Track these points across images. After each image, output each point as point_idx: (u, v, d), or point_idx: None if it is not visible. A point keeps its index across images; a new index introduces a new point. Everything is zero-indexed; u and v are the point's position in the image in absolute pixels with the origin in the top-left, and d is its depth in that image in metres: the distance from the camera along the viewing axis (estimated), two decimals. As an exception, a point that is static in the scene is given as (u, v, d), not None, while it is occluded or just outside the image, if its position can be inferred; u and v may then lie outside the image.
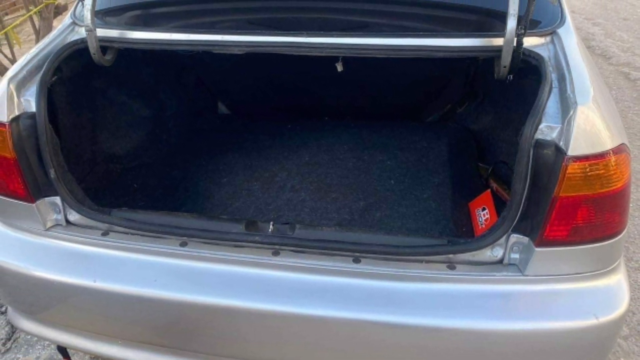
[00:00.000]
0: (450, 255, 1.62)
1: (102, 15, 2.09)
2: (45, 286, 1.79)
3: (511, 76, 1.75)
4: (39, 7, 4.21)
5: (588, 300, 1.54)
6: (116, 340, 1.87)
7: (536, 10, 1.70)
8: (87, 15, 1.85)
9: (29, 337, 2.59)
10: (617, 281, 1.59)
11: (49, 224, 1.85)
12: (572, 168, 1.42)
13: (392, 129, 2.97)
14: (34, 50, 1.95)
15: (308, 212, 2.32)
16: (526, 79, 1.90)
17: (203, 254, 1.71)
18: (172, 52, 2.66)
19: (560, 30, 1.81)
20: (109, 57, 2.03)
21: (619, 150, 1.46)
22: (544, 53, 1.72)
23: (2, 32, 4.18)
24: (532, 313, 1.53)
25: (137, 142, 2.68)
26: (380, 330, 1.57)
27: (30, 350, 2.55)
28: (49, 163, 1.76)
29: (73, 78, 2.08)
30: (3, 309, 2.75)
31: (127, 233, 1.80)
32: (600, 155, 1.43)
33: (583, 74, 1.59)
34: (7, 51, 4.46)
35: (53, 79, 1.88)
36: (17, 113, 1.74)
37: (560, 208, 1.47)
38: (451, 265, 1.61)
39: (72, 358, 2.25)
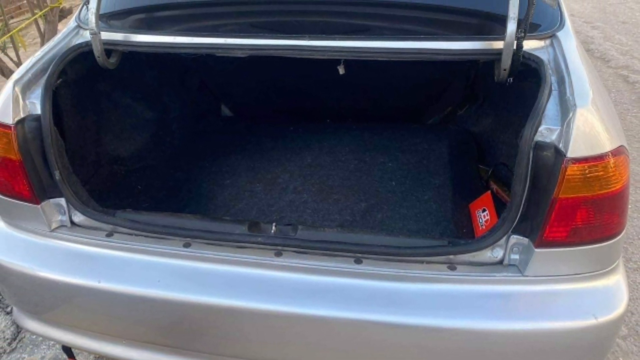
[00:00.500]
0: (451, 256, 1.62)
1: (107, 19, 2.10)
2: (50, 287, 1.80)
3: (511, 79, 1.76)
4: (44, 11, 4.23)
5: (587, 300, 1.55)
6: (120, 340, 1.88)
7: (536, 14, 1.71)
8: (92, 18, 1.86)
9: (34, 337, 2.60)
10: (616, 282, 1.60)
11: (53, 225, 1.86)
12: (572, 170, 1.43)
13: (393, 131, 2.98)
14: (39, 53, 1.96)
15: (310, 213, 2.33)
16: (526, 82, 1.91)
17: (206, 255, 1.72)
18: (175, 55, 2.67)
19: (559, 34, 1.82)
20: (113, 60, 2.04)
21: (617, 152, 1.47)
22: (544, 56, 1.73)
23: (8, 35, 4.19)
24: (531, 313, 1.53)
25: (141, 144, 2.69)
26: (382, 330, 1.58)
27: (36, 350, 2.56)
28: (54, 165, 1.77)
29: (78, 81, 2.09)
30: (8, 309, 2.77)
31: (131, 234, 1.81)
32: (600, 157, 1.44)
33: (582, 76, 1.60)
34: (12, 54, 4.48)
35: (58, 81, 1.89)
36: (22, 115, 1.75)
37: (559, 209, 1.48)
38: (452, 266, 1.61)
39: (76, 358, 2.25)
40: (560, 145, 1.45)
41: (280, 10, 2.14)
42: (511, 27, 1.62)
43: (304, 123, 3.16)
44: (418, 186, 2.48)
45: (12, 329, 2.67)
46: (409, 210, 2.32)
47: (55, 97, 1.87)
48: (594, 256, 1.55)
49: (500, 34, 1.71)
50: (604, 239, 1.53)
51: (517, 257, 1.60)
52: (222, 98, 3.44)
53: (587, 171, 1.44)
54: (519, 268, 1.60)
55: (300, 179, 2.58)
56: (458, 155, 2.73)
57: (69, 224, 1.87)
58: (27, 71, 1.84)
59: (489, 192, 2.26)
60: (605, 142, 1.45)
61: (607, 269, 1.58)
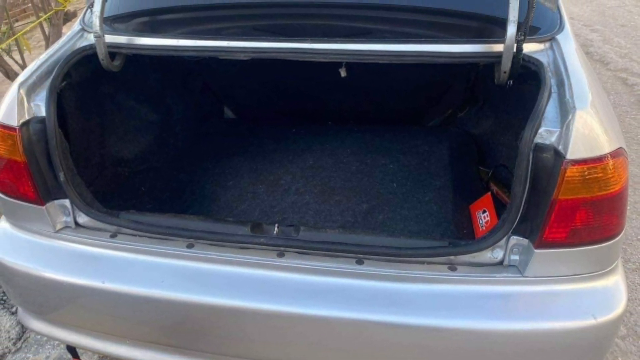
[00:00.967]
0: (452, 257, 1.63)
1: (111, 22, 2.11)
2: (54, 287, 1.81)
3: (511, 81, 1.77)
4: (48, 14, 4.24)
5: (586, 300, 1.56)
6: (124, 340, 1.89)
7: (535, 17, 1.72)
8: (96, 21, 1.87)
9: (38, 336, 2.62)
10: (615, 282, 1.61)
11: (58, 226, 1.87)
12: (571, 171, 1.44)
13: (394, 133, 2.99)
14: (43, 56, 1.97)
15: (312, 214, 2.34)
16: (526, 84, 1.91)
17: (209, 256, 1.73)
18: (179, 57, 2.66)
19: (559, 37, 1.82)
20: (117, 62, 2.05)
21: (616, 154, 1.48)
22: (543, 59, 1.73)
23: (13, 38, 4.21)
24: (531, 313, 1.54)
25: (144, 146, 2.70)
26: (383, 330, 1.58)
27: (40, 350, 2.57)
28: (59, 166, 1.78)
29: (82, 83, 2.10)
30: (14, 309, 2.78)
31: (135, 235, 1.82)
32: (599, 159, 1.44)
33: (581, 79, 1.61)
34: (17, 57, 4.49)
35: (62, 84, 1.90)
36: (27, 117, 1.76)
37: (559, 211, 1.49)
38: (452, 267, 1.62)
39: (81, 357, 2.26)
40: (560, 147, 1.46)
41: (283, 13, 2.15)
42: (511, 30, 1.62)
43: (306, 125, 3.17)
44: (419, 188, 2.49)
45: (17, 329, 2.68)
46: (410, 212, 2.33)
47: (59, 100, 1.88)
48: (593, 257, 1.56)
49: (500, 36, 1.71)
50: (603, 240, 1.54)
51: (517, 257, 1.61)
52: (225, 100, 3.45)
53: (586, 173, 1.44)
54: (518, 269, 1.61)
55: (302, 181, 2.59)
56: (458, 157, 2.74)
57: (73, 225, 1.88)
58: (32, 74, 1.85)
59: (489, 193, 2.27)
60: (604, 144, 1.46)
61: (606, 270, 1.59)
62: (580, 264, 1.57)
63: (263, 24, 2.15)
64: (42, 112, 1.78)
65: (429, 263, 1.64)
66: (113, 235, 1.83)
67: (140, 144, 2.68)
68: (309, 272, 1.67)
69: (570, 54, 1.74)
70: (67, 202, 1.86)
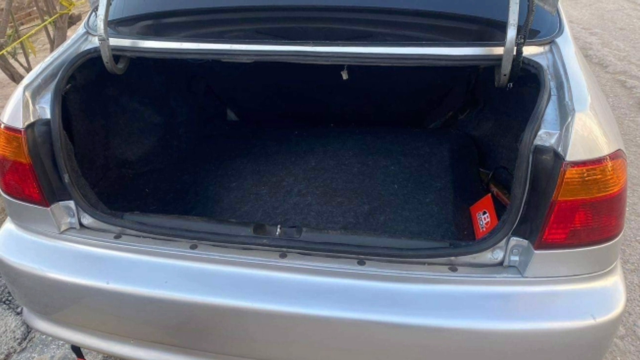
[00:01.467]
0: (452, 258, 1.64)
1: (115, 25, 2.12)
2: (59, 287, 1.82)
3: (511, 84, 1.78)
4: (53, 17, 4.25)
5: (586, 301, 1.57)
6: (128, 340, 1.90)
7: (535, 20, 1.73)
8: (100, 25, 1.88)
9: (43, 336, 2.63)
10: (614, 283, 1.61)
11: (63, 227, 1.88)
12: (570, 173, 1.45)
13: (395, 135, 3.00)
14: (48, 59, 1.98)
15: (314, 215, 2.35)
16: (525, 87, 1.93)
17: (212, 257, 1.74)
18: (182, 60, 2.68)
19: (558, 40, 1.83)
20: (121, 65, 2.06)
21: (615, 155, 1.49)
22: (543, 62, 1.74)
23: (18, 41, 4.22)
24: (531, 313, 1.55)
25: (148, 147, 2.71)
26: (384, 330, 1.59)
27: (45, 350, 2.58)
28: (63, 168, 1.79)
29: (86, 86, 2.11)
30: (19, 309, 2.80)
31: (138, 236, 1.83)
32: (598, 161, 1.46)
33: (581, 82, 1.62)
34: (22, 60, 4.50)
35: (67, 86, 1.91)
36: (32, 120, 1.77)
37: (558, 212, 1.50)
38: (453, 267, 1.63)
39: (85, 357, 2.27)
40: (559, 149, 1.47)
41: (285, 17, 2.16)
42: (511, 33, 1.64)
43: (308, 127, 3.17)
44: (420, 189, 2.50)
45: (22, 329, 2.70)
46: (411, 213, 2.33)
47: (64, 102, 1.90)
48: (592, 258, 1.57)
49: (500, 40, 1.72)
50: (602, 240, 1.55)
51: (516, 258, 1.62)
52: (228, 103, 3.46)
53: (585, 174, 1.45)
54: (518, 269, 1.62)
55: (304, 182, 2.60)
56: (459, 159, 2.75)
57: (77, 226, 1.89)
58: (37, 76, 1.86)
59: (489, 194, 2.28)
60: (603, 146, 1.47)
61: (605, 271, 1.60)
62: (580, 264, 1.57)
63: (266, 27, 2.16)
64: (47, 115, 1.79)
65: (429, 264, 1.65)
66: (117, 236, 1.84)
67: (144, 146, 2.69)
68: (311, 273, 1.67)
69: (569, 57, 1.75)
70: (71, 204, 1.87)
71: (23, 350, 2.60)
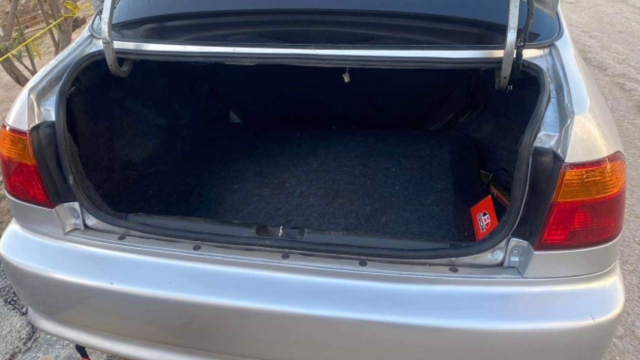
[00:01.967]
0: (453, 259, 1.65)
1: (119, 28, 2.14)
2: (64, 288, 1.83)
3: (511, 87, 1.79)
4: (58, 21, 4.28)
5: (585, 301, 1.58)
6: (132, 340, 1.91)
7: (535, 24, 1.74)
8: (105, 28, 1.89)
9: (48, 336, 2.65)
10: (613, 283, 1.62)
11: (67, 229, 1.89)
12: (570, 175, 1.46)
13: (396, 137, 3.01)
14: (53, 61, 2.00)
15: (316, 217, 2.36)
16: (525, 90, 1.93)
17: (215, 257, 1.75)
18: (185, 63, 2.69)
19: (558, 43, 1.84)
20: (125, 68, 2.08)
21: (614, 157, 1.50)
22: (543, 64, 1.75)
23: (23, 44, 4.25)
24: (531, 314, 1.56)
25: (152, 149, 2.72)
26: (386, 330, 1.60)
27: (50, 350, 2.60)
28: (68, 170, 1.80)
29: (91, 88, 2.12)
30: (24, 309, 2.81)
31: (142, 237, 1.84)
32: (597, 163, 1.47)
33: (580, 84, 1.63)
34: (27, 63, 4.53)
35: (72, 89, 1.93)
36: (37, 122, 1.79)
37: (558, 213, 1.51)
38: (453, 268, 1.64)
39: (90, 357, 2.28)
40: (559, 151, 1.48)
41: (287, 20, 2.17)
42: (511, 36, 1.65)
43: (310, 129, 3.19)
44: (421, 190, 2.51)
45: (27, 329, 2.71)
46: (412, 214, 2.34)
47: (69, 104, 1.91)
48: (591, 258, 1.58)
49: (500, 43, 1.73)
50: (601, 241, 1.56)
51: (516, 259, 1.63)
52: (231, 105, 3.47)
53: (584, 176, 1.47)
54: (518, 270, 1.63)
55: (306, 184, 2.60)
56: (459, 161, 2.75)
57: (82, 227, 1.90)
58: (41, 79, 1.88)
59: (490, 196, 2.28)
60: (602, 148, 1.48)
61: (604, 271, 1.61)
62: (579, 265, 1.58)
63: (268, 30, 2.17)
64: (52, 117, 1.80)
65: (430, 264, 1.66)
66: (121, 237, 1.85)
67: (148, 148, 2.70)
68: (313, 274, 1.68)
69: (569, 60, 1.76)
70: (76, 205, 1.88)
71: (28, 350, 2.61)
